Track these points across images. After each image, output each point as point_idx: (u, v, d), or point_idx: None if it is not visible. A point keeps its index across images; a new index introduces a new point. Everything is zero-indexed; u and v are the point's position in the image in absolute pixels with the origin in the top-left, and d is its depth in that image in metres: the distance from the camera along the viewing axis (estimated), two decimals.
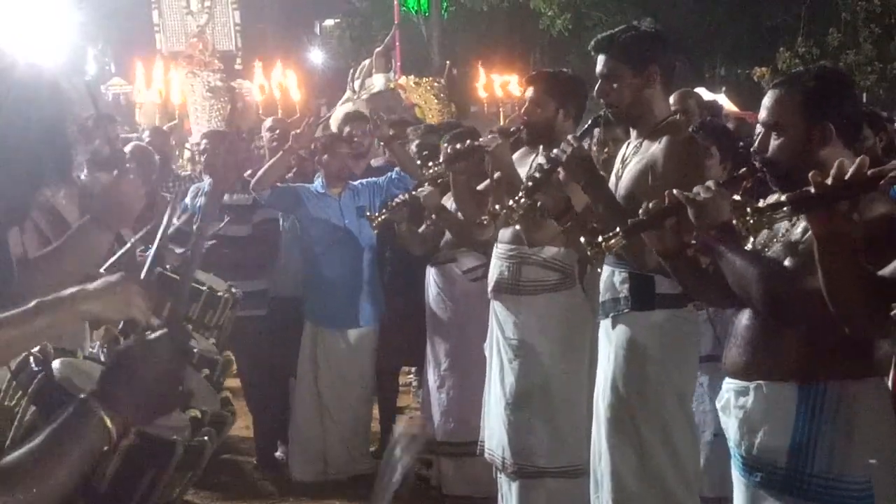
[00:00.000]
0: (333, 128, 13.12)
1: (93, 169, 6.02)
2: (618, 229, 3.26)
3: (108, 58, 29.56)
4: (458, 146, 5.28)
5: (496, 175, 5.07)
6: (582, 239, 3.41)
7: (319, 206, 6.63)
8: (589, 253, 3.32)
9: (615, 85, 4.23)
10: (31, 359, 2.81)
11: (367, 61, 16.44)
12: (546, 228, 4.79)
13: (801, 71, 3.33)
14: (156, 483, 2.78)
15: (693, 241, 3.24)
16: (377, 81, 15.62)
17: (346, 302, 6.57)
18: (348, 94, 15.77)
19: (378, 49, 16.43)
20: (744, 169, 3.42)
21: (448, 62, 19.93)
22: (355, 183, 6.81)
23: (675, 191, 3.19)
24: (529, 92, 5.17)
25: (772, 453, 3.12)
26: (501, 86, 14.94)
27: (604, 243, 3.25)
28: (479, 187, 5.39)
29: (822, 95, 3.11)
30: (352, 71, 16.44)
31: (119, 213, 3.18)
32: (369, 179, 6.86)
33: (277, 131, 7.72)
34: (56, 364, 2.85)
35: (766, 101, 3.22)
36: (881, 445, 3.05)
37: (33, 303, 2.27)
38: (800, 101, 3.12)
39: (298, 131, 6.64)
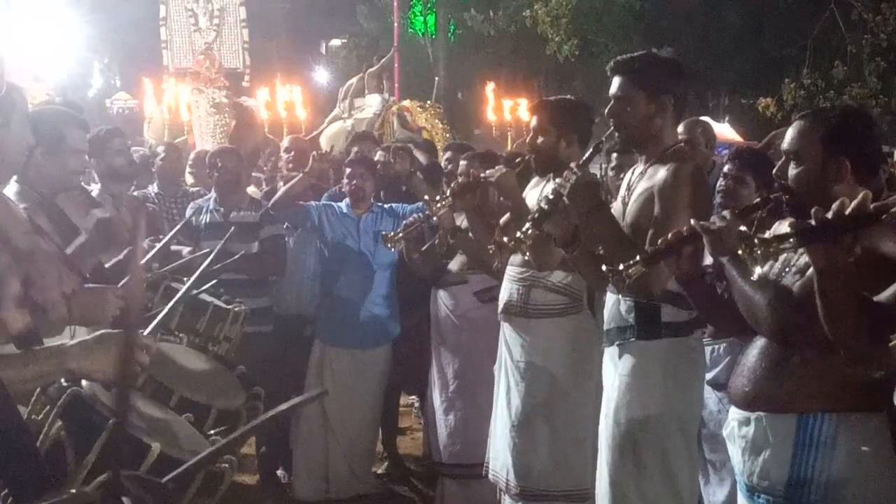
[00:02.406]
0: (323, 144, 13.19)
1: (106, 181, 6.04)
2: (637, 258, 3.32)
3: (114, 72, 29.62)
4: (464, 179, 5.34)
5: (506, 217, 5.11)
6: (604, 267, 3.44)
7: (338, 227, 6.65)
8: (611, 280, 3.36)
9: (627, 108, 4.23)
10: None
11: (354, 79, 16.47)
12: (555, 253, 4.81)
13: (827, 107, 3.43)
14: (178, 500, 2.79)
15: (709, 269, 3.31)
16: (372, 101, 15.66)
17: (354, 323, 6.59)
18: (336, 111, 15.82)
19: (371, 70, 16.47)
20: (757, 199, 3.47)
21: (437, 78, 19.97)
22: (386, 206, 6.83)
23: (692, 220, 3.27)
24: (533, 121, 5.20)
25: (771, 482, 3.20)
26: (510, 110, 14.97)
27: (624, 271, 3.30)
28: (502, 221, 5.39)
29: (842, 131, 3.20)
30: (342, 89, 16.50)
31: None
32: (397, 205, 6.88)
33: (293, 152, 7.79)
34: (84, 382, 2.87)
35: (791, 130, 3.33)
36: (878, 478, 3.11)
37: (23, 351, 2.32)
38: (820, 135, 3.21)
39: (309, 166, 6.72)
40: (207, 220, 6.82)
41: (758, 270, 3.13)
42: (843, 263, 2.70)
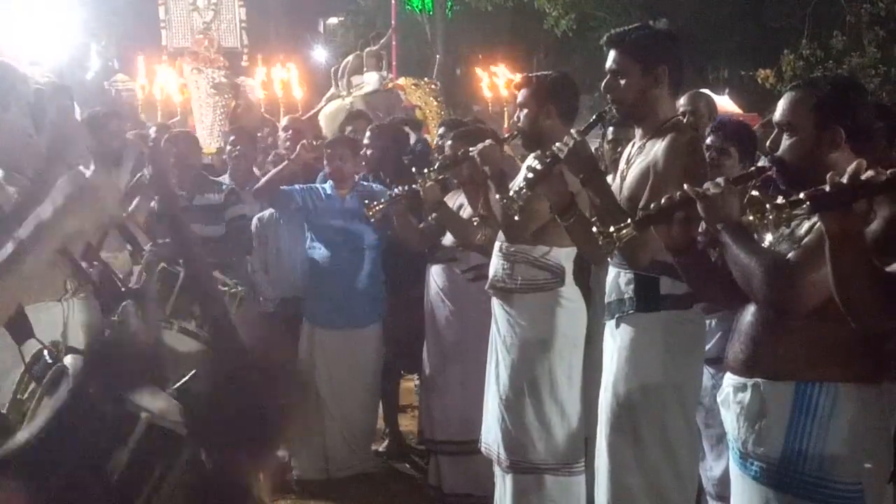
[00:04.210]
0: (323, 124, 13.15)
1: (99, 164, 6.02)
2: (628, 220, 3.32)
3: (112, 54, 29.53)
4: (450, 154, 5.36)
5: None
6: (594, 229, 3.44)
7: (324, 208, 6.65)
8: (600, 243, 3.36)
9: (622, 81, 4.23)
10: (45, 352, 2.83)
11: (350, 57, 16.46)
12: (536, 219, 4.84)
13: (818, 76, 3.40)
14: (165, 476, 2.79)
15: (701, 236, 3.30)
16: (370, 79, 15.65)
17: (343, 303, 6.60)
18: (333, 90, 15.79)
19: (369, 48, 16.45)
20: (752, 168, 3.46)
21: (438, 56, 19.84)
22: (373, 185, 6.85)
23: (685, 185, 3.25)
24: (518, 97, 5.22)
25: (766, 449, 3.22)
26: (506, 85, 14.94)
27: (615, 234, 3.31)
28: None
29: (835, 100, 3.19)
30: (333, 69, 16.46)
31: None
32: (381, 187, 6.88)
33: (291, 131, 7.78)
34: (68, 359, 2.87)
35: (782, 101, 3.31)
36: (873, 451, 3.13)
37: (13, 243, 2.26)
38: (813, 104, 3.20)
39: (296, 154, 6.71)
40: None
41: (768, 237, 3.15)
42: (856, 229, 2.69)
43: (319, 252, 6.70)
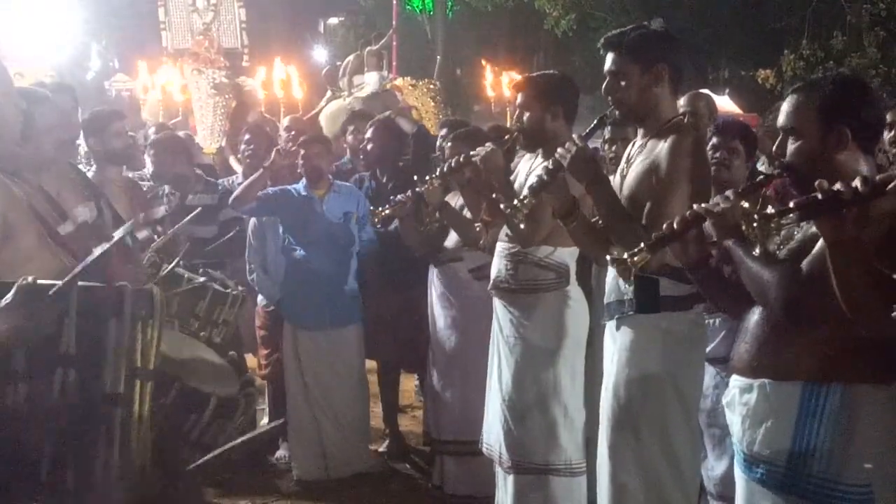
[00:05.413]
0: (323, 125, 13.16)
1: (102, 163, 6.02)
2: (642, 245, 3.28)
3: (112, 54, 29.55)
4: (452, 161, 5.37)
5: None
6: (608, 257, 3.42)
7: (301, 208, 6.64)
8: (615, 270, 3.34)
9: (623, 83, 4.23)
10: None
11: (351, 57, 16.48)
12: (542, 227, 4.85)
13: (819, 77, 3.35)
14: None
15: (714, 251, 3.27)
16: (370, 79, 15.66)
17: (322, 303, 6.59)
18: (329, 94, 15.80)
19: (370, 48, 16.48)
20: (762, 176, 3.43)
21: (438, 57, 19.94)
22: (345, 185, 6.86)
23: (695, 206, 3.24)
24: (518, 98, 5.21)
25: (772, 451, 3.16)
26: (508, 85, 14.98)
27: (629, 259, 3.27)
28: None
29: (838, 100, 3.14)
30: (325, 72, 16.48)
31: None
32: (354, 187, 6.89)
33: (293, 132, 7.77)
34: None
35: (785, 105, 3.25)
36: (882, 452, 3.07)
37: None
38: (816, 106, 3.15)
39: (271, 160, 6.64)
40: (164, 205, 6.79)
41: (759, 248, 3.11)
42: (853, 236, 2.66)
43: (298, 253, 6.69)
